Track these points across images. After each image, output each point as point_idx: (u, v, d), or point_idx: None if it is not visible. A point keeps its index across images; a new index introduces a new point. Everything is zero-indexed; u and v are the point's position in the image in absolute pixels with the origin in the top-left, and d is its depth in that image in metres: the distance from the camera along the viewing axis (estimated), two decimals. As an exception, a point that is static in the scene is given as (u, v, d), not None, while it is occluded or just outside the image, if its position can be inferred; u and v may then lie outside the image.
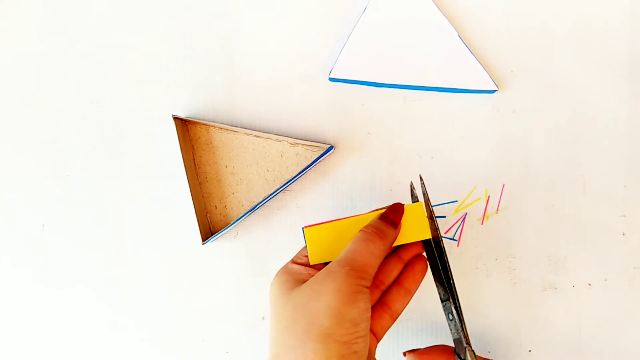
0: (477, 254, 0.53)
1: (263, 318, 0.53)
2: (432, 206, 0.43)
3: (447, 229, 0.53)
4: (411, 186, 0.44)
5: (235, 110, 0.54)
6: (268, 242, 0.53)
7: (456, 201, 0.53)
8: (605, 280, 0.52)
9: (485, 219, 0.53)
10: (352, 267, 0.36)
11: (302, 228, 0.41)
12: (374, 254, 0.37)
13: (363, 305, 0.35)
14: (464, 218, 0.53)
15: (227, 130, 0.53)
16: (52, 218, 0.54)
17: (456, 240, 0.53)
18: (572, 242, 0.52)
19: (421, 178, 0.44)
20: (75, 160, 0.54)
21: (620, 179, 0.52)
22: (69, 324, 0.54)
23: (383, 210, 0.41)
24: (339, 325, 0.34)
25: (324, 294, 0.35)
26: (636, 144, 0.53)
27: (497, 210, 0.53)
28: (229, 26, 0.54)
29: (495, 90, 0.52)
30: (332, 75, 0.52)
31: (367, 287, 0.36)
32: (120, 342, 0.54)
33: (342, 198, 0.53)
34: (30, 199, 0.54)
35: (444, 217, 0.53)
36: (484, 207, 0.53)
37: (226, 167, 0.53)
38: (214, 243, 0.53)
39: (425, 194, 0.43)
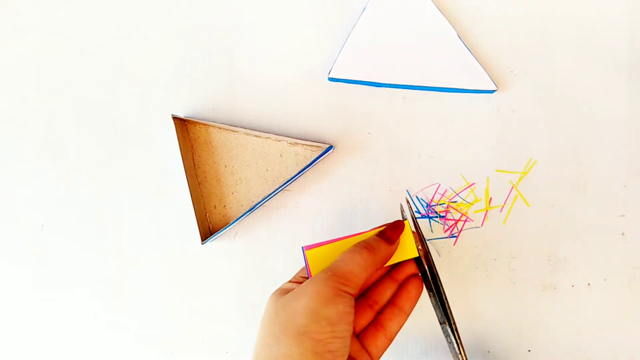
0: (476, 254, 0.53)
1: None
2: (420, 229, 0.43)
3: (446, 229, 0.53)
4: (401, 208, 0.44)
5: (235, 110, 0.54)
6: (267, 242, 0.53)
7: (456, 201, 0.53)
8: (605, 280, 0.52)
9: (484, 219, 0.53)
10: (334, 273, 0.37)
11: (303, 249, 0.41)
12: (359, 264, 0.37)
13: (342, 308, 0.35)
14: (464, 218, 0.53)
15: (227, 130, 0.53)
16: (51, 218, 0.54)
17: (455, 236, 0.53)
18: (571, 242, 0.52)
19: (408, 202, 0.44)
20: (74, 160, 0.55)
21: (620, 178, 0.52)
22: (68, 324, 0.54)
23: (382, 228, 0.41)
24: (314, 324, 0.34)
25: (303, 296, 0.36)
26: (636, 144, 0.53)
27: (500, 209, 0.53)
28: (228, 26, 0.54)
29: (495, 90, 0.52)
30: (331, 75, 0.52)
31: (351, 294, 0.36)
32: (120, 342, 0.54)
33: (342, 198, 0.53)
34: (30, 198, 0.54)
35: (443, 216, 0.53)
36: (484, 207, 0.53)
37: (225, 167, 0.53)
38: (213, 243, 0.53)
39: (413, 218, 0.43)
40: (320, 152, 0.52)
